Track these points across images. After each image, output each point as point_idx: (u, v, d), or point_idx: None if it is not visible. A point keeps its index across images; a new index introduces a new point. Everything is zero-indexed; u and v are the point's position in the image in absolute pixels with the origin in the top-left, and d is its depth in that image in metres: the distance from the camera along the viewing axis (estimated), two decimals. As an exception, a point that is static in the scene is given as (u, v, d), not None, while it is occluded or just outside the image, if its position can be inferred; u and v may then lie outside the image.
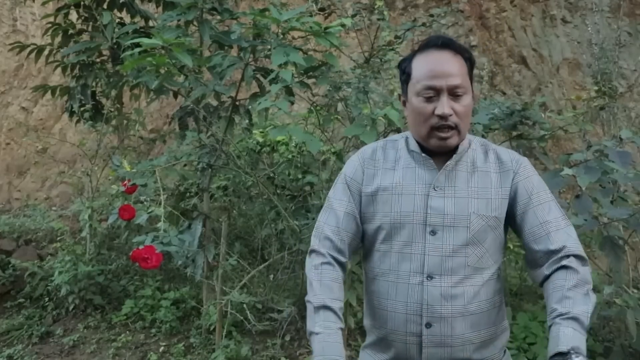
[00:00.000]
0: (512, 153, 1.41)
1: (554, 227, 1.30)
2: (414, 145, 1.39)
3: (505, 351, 1.44)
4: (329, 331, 1.27)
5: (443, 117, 1.29)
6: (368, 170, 1.42)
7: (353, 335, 3.32)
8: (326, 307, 1.31)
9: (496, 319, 1.38)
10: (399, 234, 1.34)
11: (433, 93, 1.30)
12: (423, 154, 1.37)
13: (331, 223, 1.41)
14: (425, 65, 1.32)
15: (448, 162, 1.35)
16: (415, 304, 1.31)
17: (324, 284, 1.34)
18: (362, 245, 1.47)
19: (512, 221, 1.38)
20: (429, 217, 1.32)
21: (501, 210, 1.34)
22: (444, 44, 1.33)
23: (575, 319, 1.17)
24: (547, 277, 1.29)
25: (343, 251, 1.40)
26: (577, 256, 1.27)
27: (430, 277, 1.30)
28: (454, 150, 1.35)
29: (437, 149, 1.35)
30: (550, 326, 1.21)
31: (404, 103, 1.41)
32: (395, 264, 1.35)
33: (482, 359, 1.35)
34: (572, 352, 1.12)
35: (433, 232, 1.32)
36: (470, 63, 1.36)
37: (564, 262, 1.26)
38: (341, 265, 1.40)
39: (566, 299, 1.21)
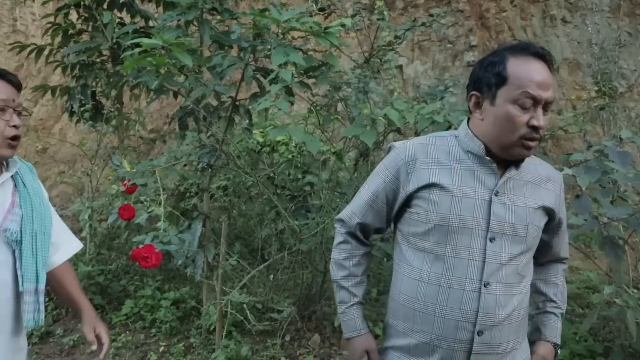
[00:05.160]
0: (550, 169, 1.45)
1: (565, 245, 1.56)
2: (476, 148, 1.35)
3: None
4: (343, 309, 1.51)
5: (535, 129, 1.27)
6: (418, 165, 1.37)
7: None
8: (340, 287, 1.52)
9: (526, 325, 1.44)
10: (456, 237, 1.31)
11: (531, 103, 1.26)
12: (488, 158, 1.34)
13: (355, 211, 1.51)
14: (529, 73, 1.27)
15: (512, 170, 1.35)
16: (470, 311, 1.29)
17: (339, 264, 1.53)
18: (400, 244, 1.45)
19: (545, 234, 1.46)
20: (491, 224, 1.31)
21: (544, 223, 1.40)
22: (543, 54, 1.30)
23: (562, 315, 1.55)
24: (540, 264, 1.55)
25: (364, 231, 1.52)
26: (566, 259, 1.59)
27: (487, 284, 1.29)
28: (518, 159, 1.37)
29: (516, 157, 1.33)
30: (545, 311, 1.53)
31: (479, 104, 1.35)
32: (450, 268, 1.31)
33: None
34: (558, 346, 1.51)
35: (492, 239, 1.31)
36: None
37: (558, 263, 1.58)
38: (359, 240, 1.53)
39: (561, 294, 1.55)
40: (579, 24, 5.52)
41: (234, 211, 4.13)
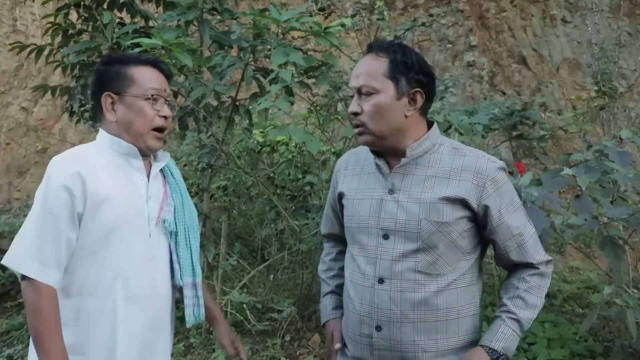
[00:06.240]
0: (483, 161, 1.34)
1: (524, 239, 1.36)
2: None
3: None
4: (321, 298, 1.63)
5: (353, 115, 1.37)
6: (340, 176, 1.52)
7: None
8: (321, 280, 1.66)
9: (459, 330, 1.34)
10: (359, 237, 1.40)
11: (352, 93, 1.39)
12: (376, 159, 1.40)
13: (322, 222, 1.71)
14: None
15: (398, 165, 1.36)
16: (367, 306, 1.35)
17: (322, 260, 1.68)
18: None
19: (483, 230, 1.37)
20: (382, 222, 1.35)
21: (456, 217, 1.31)
22: (369, 47, 1.40)
23: (518, 322, 1.34)
24: (506, 268, 1.45)
25: (333, 239, 1.66)
26: (542, 263, 1.38)
27: (381, 280, 1.33)
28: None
29: (366, 146, 1.41)
30: (496, 316, 1.37)
31: None
32: (356, 265, 1.40)
33: None
34: (503, 355, 1.31)
35: (386, 236, 1.34)
36: (395, 64, 1.32)
37: (527, 268, 1.39)
38: (336, 240, 1.64)
39: (518, 298, 1.35)
40: (579, 24, 5.52)
41: (234, 211, 4.14)
